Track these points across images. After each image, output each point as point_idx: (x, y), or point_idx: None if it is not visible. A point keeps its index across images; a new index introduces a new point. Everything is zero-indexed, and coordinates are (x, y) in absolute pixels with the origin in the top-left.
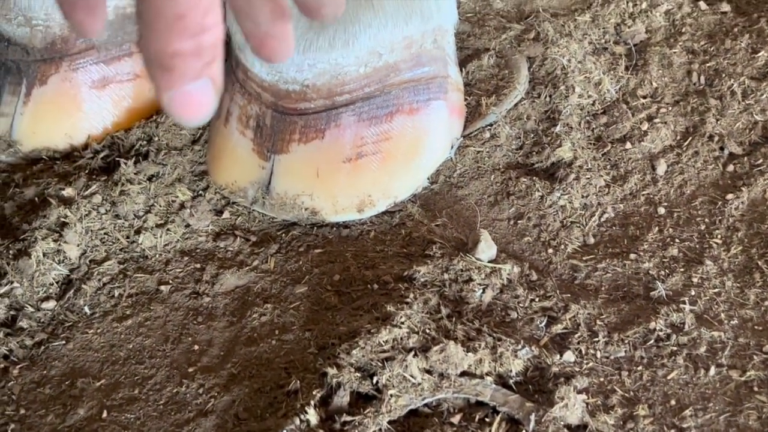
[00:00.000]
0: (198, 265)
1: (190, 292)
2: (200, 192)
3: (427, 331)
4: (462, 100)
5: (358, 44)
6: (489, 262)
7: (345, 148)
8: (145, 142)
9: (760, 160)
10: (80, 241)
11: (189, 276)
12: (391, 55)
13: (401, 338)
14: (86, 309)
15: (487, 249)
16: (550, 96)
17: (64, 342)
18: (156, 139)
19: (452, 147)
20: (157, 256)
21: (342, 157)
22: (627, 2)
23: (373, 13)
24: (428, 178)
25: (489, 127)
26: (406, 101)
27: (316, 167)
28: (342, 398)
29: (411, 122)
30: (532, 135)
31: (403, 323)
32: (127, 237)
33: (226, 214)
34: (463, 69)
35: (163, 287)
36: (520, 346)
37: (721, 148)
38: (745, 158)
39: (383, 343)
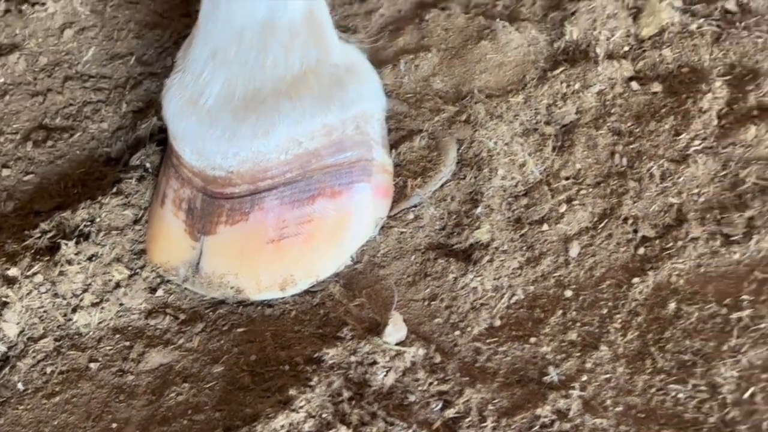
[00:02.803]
0: (128, 343)
1: (117, 370)
2: (137, 270)
3: (324, 415)
4: (389, 180)
5: (278, 133)
6: (397, 344)
7: (268, 229)
8: (88, 223)
9: (671, 243)
10: (19, 319)
11: (118, 354)
12: (311, 142)
13: (298, 423)
14: (20, 385)
15: (395, 332)
16: (475, 178)
17: None
18: (99, 219)
19: (377, 227)
20: (91, 333)
21: (266, 239)
22: (561, 83)
23: (291, 104)
24: (352, 257)
25: (414, 208)
26: (327, 185)
27: (241, 248)
28: None
29: (333, 205)
30: (454, 216)
31: (302, 407)
32: (65, 315)
33: (160, 292)
34: (395, 150)
35: (92, 364)
36: (411, 431)
37: (635, 231)
38: (657, 241)
39: (279, 429)
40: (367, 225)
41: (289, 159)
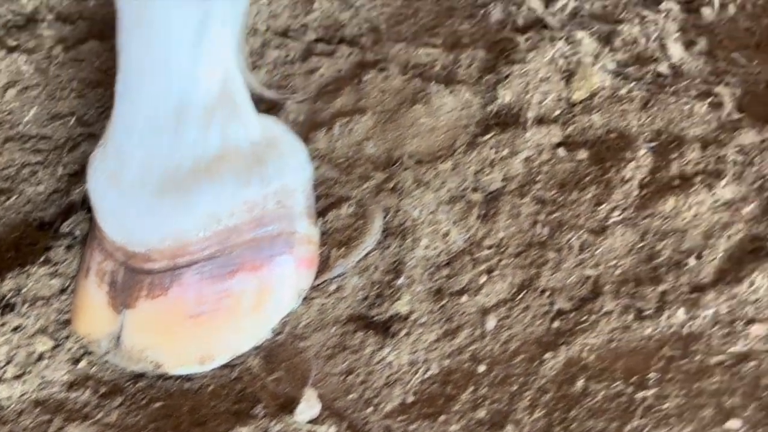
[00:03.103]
0: (47, 417)
1: None
2: (61, 341)
3: None
4: (314, 251)
5: (197, 212)
6: (309, 422)
7: (188, 304)
8: (15, 293)
9: (585, 317)
10: None
11: (38, 428)
12: (231, 219)
13: None
14: None
15: (308, 409)
16: (399, 247)
17: None
18: (25, 289)
19: (299, 297)
20: (13, 406)
21: (185, 314)
22: (490, 149)
23: (210, 184)
24: (273, 329)
25: (337, 278)
26: (248, 259)
27: (161, 322)
28: None
29: (254, 279)
30: (377, 286)
31: None
32: None
33: (82, 363)
34: (323, 218)
35: None
36: None
37: (552, 303)
38: (572, 314)
39: None
40: (289, 297)
41: (208, 236)
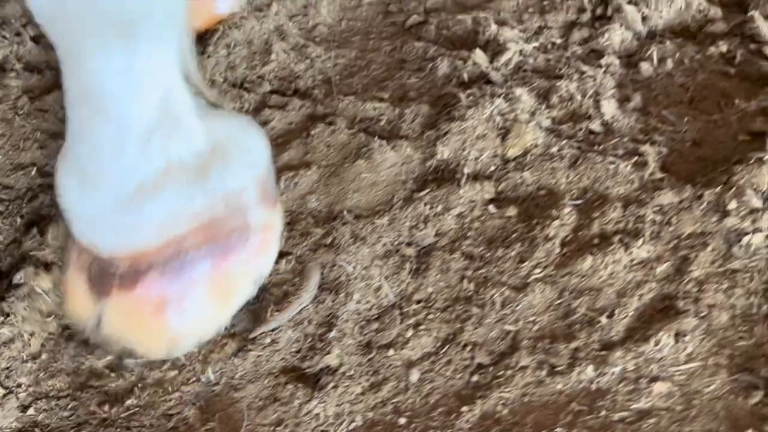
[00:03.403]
0: None
1: None
2: (12, 388)
3: None
4: (272, 235)
5: (146, 228)
6: None
7: (152, 301)
8: None
9: (502, 372)
10: None
11: None
12: (180, 228)
13: None
14: None
15: None
16: (333, 302)
17: None
18: None
19: (256, 285)
20: None
21: (150, 308)
22: (425, 204)
23: (155, 199)
24: (209, 379)
25: (272, 331)
26: (205, 257)
27: (131, 313)
28: None
29: (212, 274)
30: (310, 339)
31: None
32: None
33: (31, 410)
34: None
35: None
36: None
37: (472, 357)
38: (490, 368)
39: None
40: (246, 287)
41: (160, 245)
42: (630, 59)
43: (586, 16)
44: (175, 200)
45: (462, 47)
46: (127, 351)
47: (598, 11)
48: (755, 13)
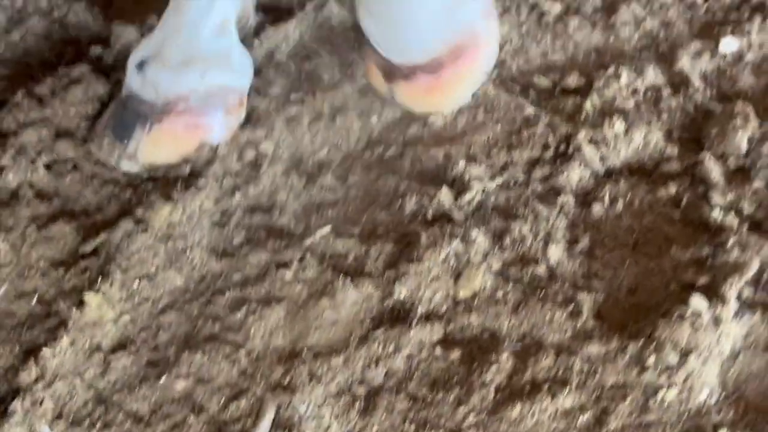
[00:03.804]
0: None
1: None
2: None
3: None
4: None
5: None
6: None
7: None
8: None
9: None
10: None
11: None
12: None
13: None
14: None
15: None
16: None
17: None
18: None
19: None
20: None
21: None
22: (378, 344)
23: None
24: None
25: None
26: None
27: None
28: None
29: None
30: None
31: None
32: None
33: None
34: (225, 408)
35: None
36: None
37: None
38: None
39: None
40: (481, 76)
41: (425, 60)
42: (585, 198)
43: (549, 153)
44: (437, 34)
45: (431, 183)
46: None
47: (561, 148)
48: (707, 155)
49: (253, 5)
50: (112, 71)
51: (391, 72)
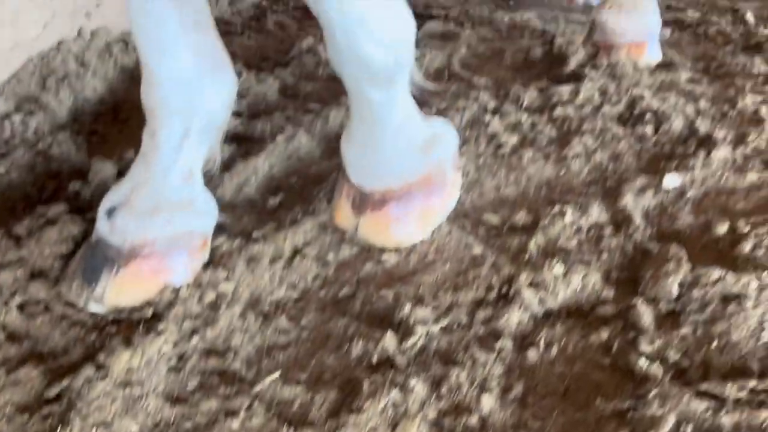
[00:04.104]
0: None
1: None
2: None
3: None
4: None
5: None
6: None
7: None
8: None
9: None
10: None
11: None
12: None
13: None
14: None
15: None
16: None
17: None
18: None
19: None
20: None
21: None
22: None
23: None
24: None
25: None
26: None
27: None
28: None
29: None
30: None
31: None
32: None
33: None
34: None
35: None
36: None
37: None
38: None
39: None
40: (441, 216)
41: (400, 186)
42: (523, 341)
43: (492, 295)
44: (410, 163)
45: (379, 326)
46: (369, 245)
47: (504, 289)
48: (640, 299)
49: (220, 146)
50: (88, 209)
51: (361, 203)
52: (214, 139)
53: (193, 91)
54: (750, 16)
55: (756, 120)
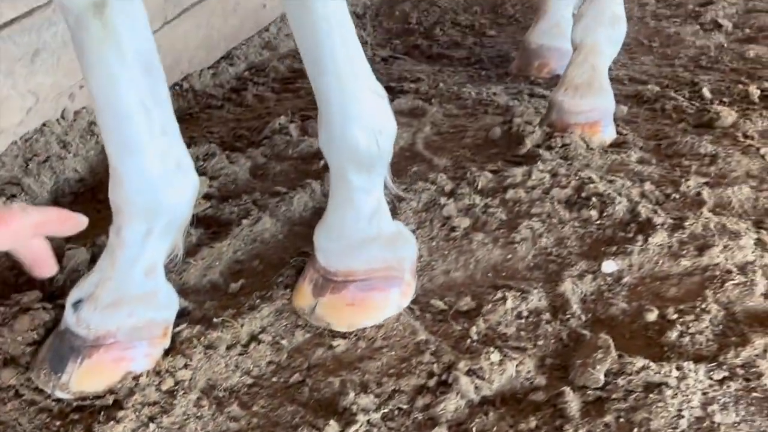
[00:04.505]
0: None
1: None
2: None
3: None
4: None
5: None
6: None
7: None
8: None
9: None
10: None
11: None
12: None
13: None
14: None
15: None
16: None
17: None
18: None
19: None
20: None
21: None
22: None
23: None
24: None
25: None
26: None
27: None
28: None
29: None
30: None
31: None
32: None
33: None
34: None
35: None
36: None
37: None
38: None
39: None
40: (392, 308)
41: (362, 271)
42: (458, 429)
43: (433, 381)
44: (376, 252)
45: (324, 414)
46: (326, 326)
47: (444, 376)
48: (568, 388)
49: (183, 238)
50: (60, 295)
51: (323, 285)
52: (176, 233)
53: (157, 193)
54: (706, 91)
55: (697, 203)
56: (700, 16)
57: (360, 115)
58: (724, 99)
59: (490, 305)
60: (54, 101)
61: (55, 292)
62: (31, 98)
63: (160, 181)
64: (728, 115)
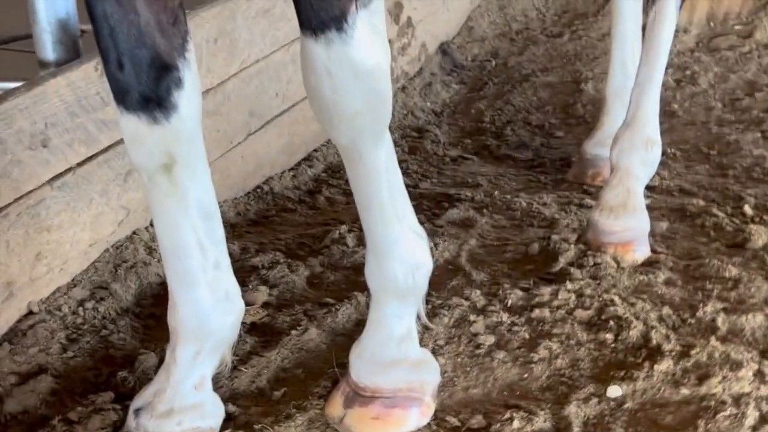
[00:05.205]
0: None
1: None
2: None
3: None
4: None
5: None
6: None
7: None
8: None
9: None
10: None
11: None
12: None
13: None
14: None
15: None
16: None
17: None
18: None
19: None
20: None
21: None
22: None
23: None
24: None
25: None
26: None
27: None
28: None
29: None
30: None
31: None
32: None
33: None
34: None
35: None
36: None
37: None
38: None
39: None
40: (411, 427)
41: (389, 390)
42: None
43: None
44: (402, 374)
45: None
46: None
47: None
48: None
49: (230, 353)
50: (130, 396)
51: (353, 398)
52: (223, 350)
53: (206, 320)
54: (748, 208)
55: (710, 329)
56: (763, 122)
57: (400, 253)
58: (765, 217)
59: (498, 425)
60: (144, 212)
61: (126, 394)
62: (123, 212)
63: (209, 310)
64: (759, 238)
